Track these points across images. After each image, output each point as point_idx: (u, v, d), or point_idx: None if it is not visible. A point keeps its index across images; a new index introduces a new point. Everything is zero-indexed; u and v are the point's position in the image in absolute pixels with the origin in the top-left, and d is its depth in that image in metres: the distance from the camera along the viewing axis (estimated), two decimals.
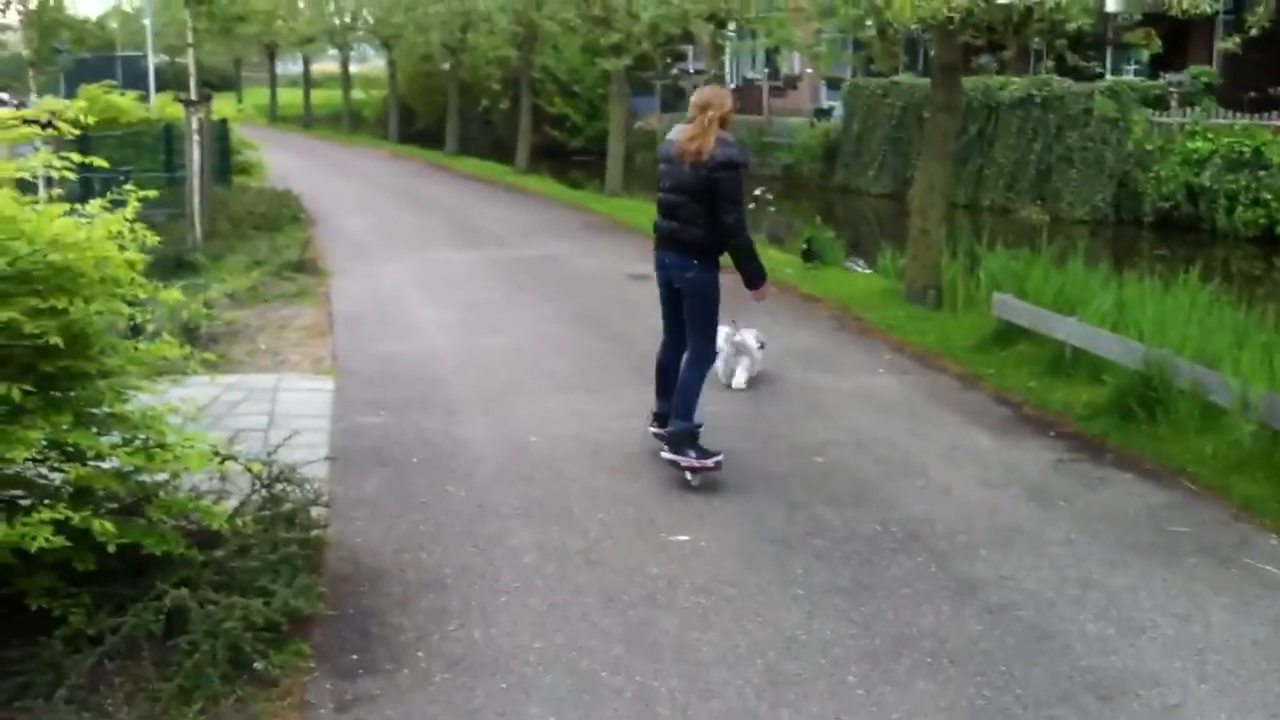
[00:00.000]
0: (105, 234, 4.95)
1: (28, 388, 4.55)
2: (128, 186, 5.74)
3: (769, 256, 15.86)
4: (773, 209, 19.43)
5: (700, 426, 7.34)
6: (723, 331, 8.72)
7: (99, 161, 5.14)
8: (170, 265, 13.53)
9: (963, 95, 26.41)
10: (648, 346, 10.53)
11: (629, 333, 11.28)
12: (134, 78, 38.19)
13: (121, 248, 5.24)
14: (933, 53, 12.34)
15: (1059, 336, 9.61)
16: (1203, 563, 6.11)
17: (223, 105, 41.34)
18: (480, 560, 6.01)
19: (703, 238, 7.16)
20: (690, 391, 7.34)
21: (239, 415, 8.45)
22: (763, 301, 7.85)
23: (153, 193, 5.80)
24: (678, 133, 7.34)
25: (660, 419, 7.71)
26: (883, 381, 9.75)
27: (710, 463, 7.19)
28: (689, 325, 7.44)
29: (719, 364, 8.99)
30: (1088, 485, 7.29)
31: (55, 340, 4.48)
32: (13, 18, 11.52)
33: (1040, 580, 5.88)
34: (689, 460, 7.17)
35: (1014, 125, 26.92)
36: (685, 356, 7.48)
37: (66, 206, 5.10)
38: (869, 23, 12.79)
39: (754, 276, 7.40)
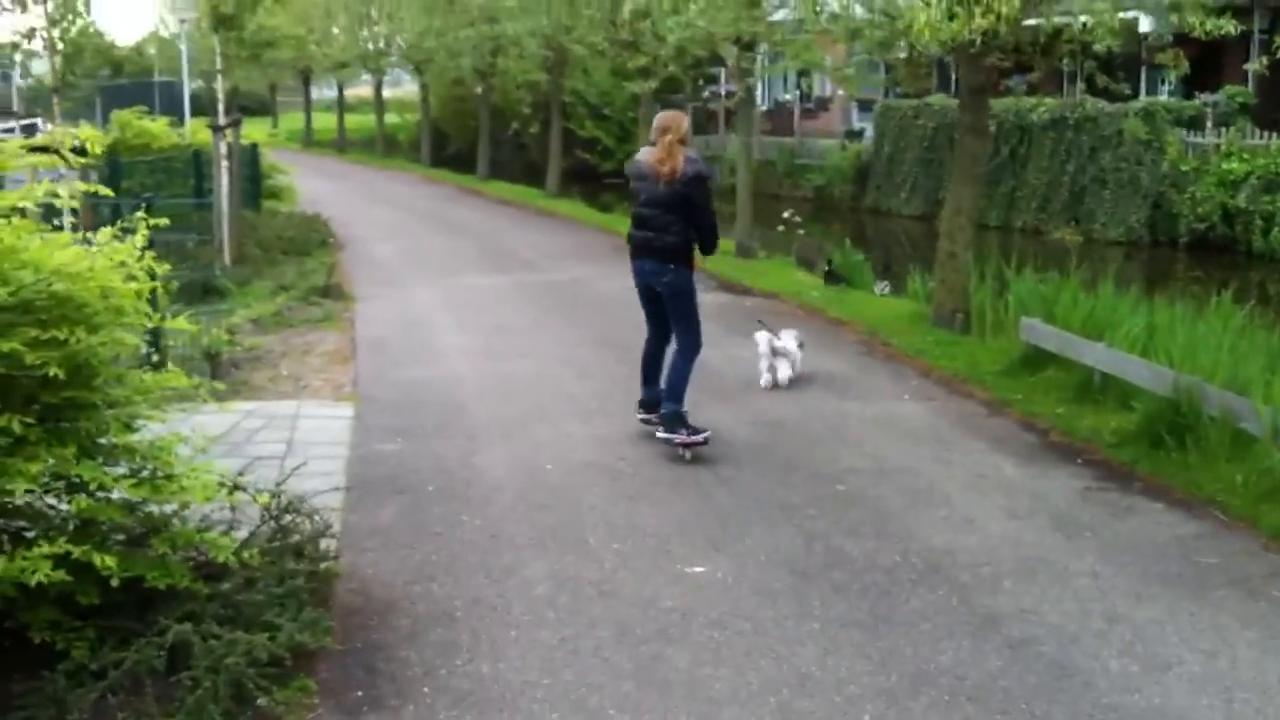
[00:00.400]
0: (110, 263, 4.91)
1: (28, 419, 4.51)
2: (138, 214, 5.73)
3: (797, 280, 15.88)
4: (801, 231, 19.35)
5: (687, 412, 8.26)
6: (763, 337, 10.00)
7: (104, 190, 5.06)
8: (197, 290, 13.59)
9: (994, 117, 26.50)
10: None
11: None
12: (170, 103, 38.67)
13: (131, 277, 5.21)
14: (961, 75, 12.21)
15: (1087, 362, 9.46)
16: (1231, 595, 5.96)
17: (255, 130, 41.79)
18: (492, 592, 5.93)
19: (677, 244, 8.11)
20: (680, 378, 8.28)
21: (257, 443, 8.42)
22: (706, 264, 8.83)
23: (164, 220, 5.77)
24: (645, 154, 8.27)
25: (646, 405, 8.71)
26: (908, 407, 9.62)
27: (700, 438, 8.08)
28: (674, 321, 8.39)
29: (761, 366, 10.06)
30: (1115, 515, 7.14)
31: (56, 371, 4.44)
32: (37, 44, 11.52)
33: (1064, 614, 5.74)
34: (682, 438, 8.08)
35: (1047, 146, 26.73)
36: (672, 348, 8.44)
37: (72, 236, 5.07)
38: (900, 44, 12.70)
39: (712, 250, 8.49)
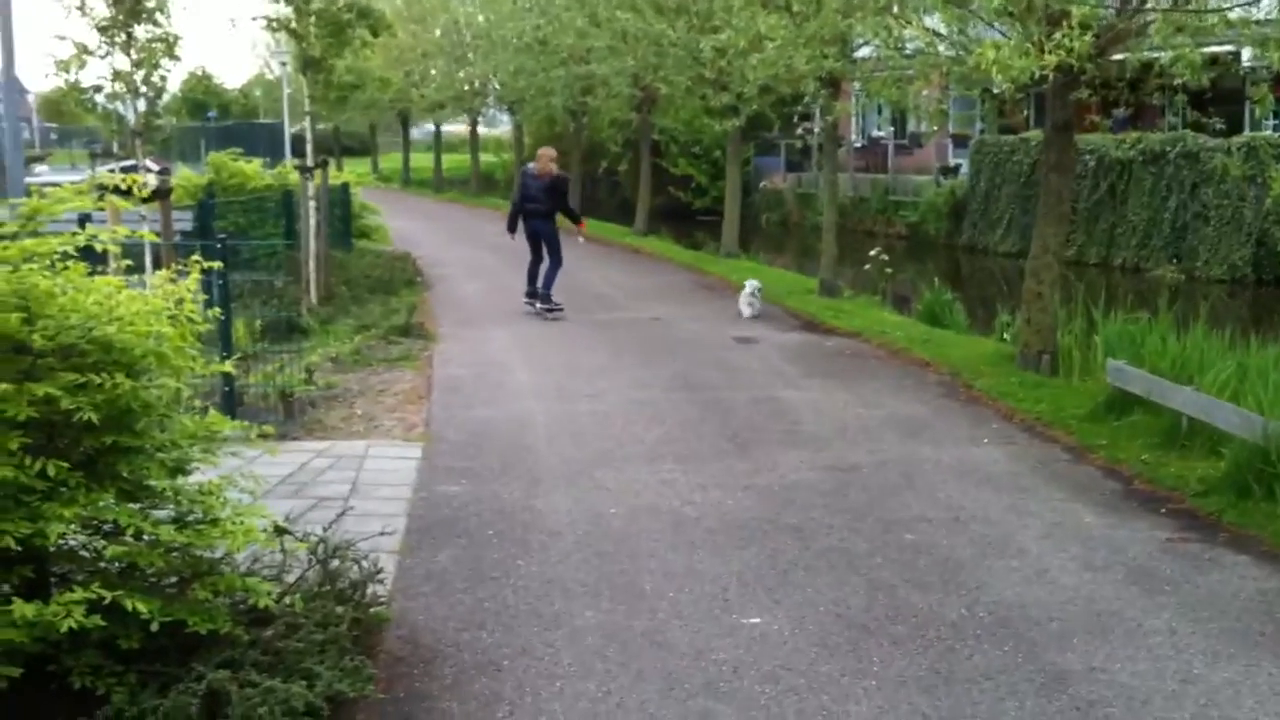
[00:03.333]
0: (155, 306, 4.91)
1: (66, 463, 4.51)
2: (194, 257, 5.76)
3: (883, 319, 15.62)
4: (889, 270, 19.06)
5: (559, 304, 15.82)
6: (752, 284, 16.25)
7: (149, 236, 5.08)
8: (283, 329, 13.74)
9: (1093, 151, 26.01)
10: (746, 414, 10.42)
11: (727, 399, 11.06)
12: (272, 144, 39.52)
13: (190, 319, 5.22)
14: (1046, 111, 11.95)
15: (1175, 406, 9.12)
16: None
17: (355, 169, 42.51)
18: (540, 641, 5.82)
19: (547, 211, 16.13)
20: (549, 280, 15.95)
21: (323, 483, 8.42)
22: (584, 231, 18.34)
23: (218, 264, 5.77)
24: (533, 166, 16.51)
25: (529, 295, 16.19)
26: (987, 453, 9.35)
27: (560, 307, 15.78)
28: (547, 251, 16.05)
29: (742, 304, 15.98)
30: (1197, 568, 6.83)
31: (90, 416, 4.43)
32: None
33: (1136, 673, 5.47)
34: (547, 306, 15.79)
35: (1147, 182, 26.11)
36: (545, 265, 16.03)
37: (122, 280, 5.09)
38: (982, 81, 12.48)
39: (576, 221, 17.44)
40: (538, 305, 15.85)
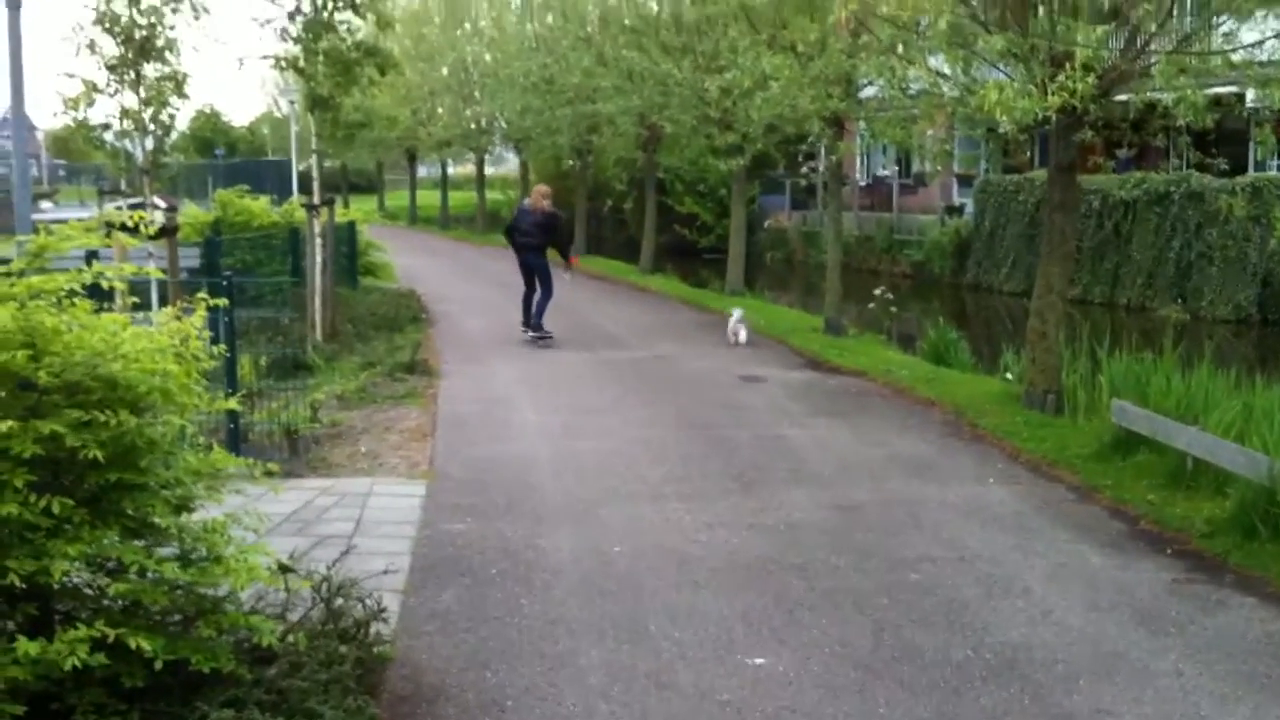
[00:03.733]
0: (159, 344, 4.92)
1: (70, 501, 4.51)
2: (200, 294, 5.77)
3: (886, 358, 15.61)
4: (893, 309, 19.08)
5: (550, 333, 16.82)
6: (737, 312, 17.16)
7: (154, 272, 5.10)
8: (288, 366, 13.76)
9: (1097, 191, 26.07)
10: (750, 453, 10.40)
11: (732, 438, 11.05)
12: (280, 181, 39.72)
13: (195, 357, 5.23)
14: (1049, 151, 11.98)
15: (1180, 446, 9.10)
16: None
17: (361, 207, 42.67)
18: (544, 681, 5.79)
19: (541, 244, 17.02)
20: (542, 309, 16.88)
21: (327, 520, 8.42)
22: (574, 268, 18.53)
23: (223, 301, 5.79)
24: (528, 202, 17.76)
25: (525, 323, 17.02)
26: (992, 492, 9.33)
27: (550, 335, 16.76)
28: (540, 283, 16.93)
29: (729, 333, 16.90)
30: (1203, 609, 6.80)
31: (95, 454, 4.43)
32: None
33: (1142, 716, 5.46)
34: (538, 333, 16.74)
35: (1152, 222, 26.14)
36: (538, 296, 16.89)
37: (128, 317, 5.11)
38: (985, 121, 12.53)
39: (566, 258, 18.05)
40: (529, 334, 16.86)
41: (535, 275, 16.99)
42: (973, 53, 10.38)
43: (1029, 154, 31.72)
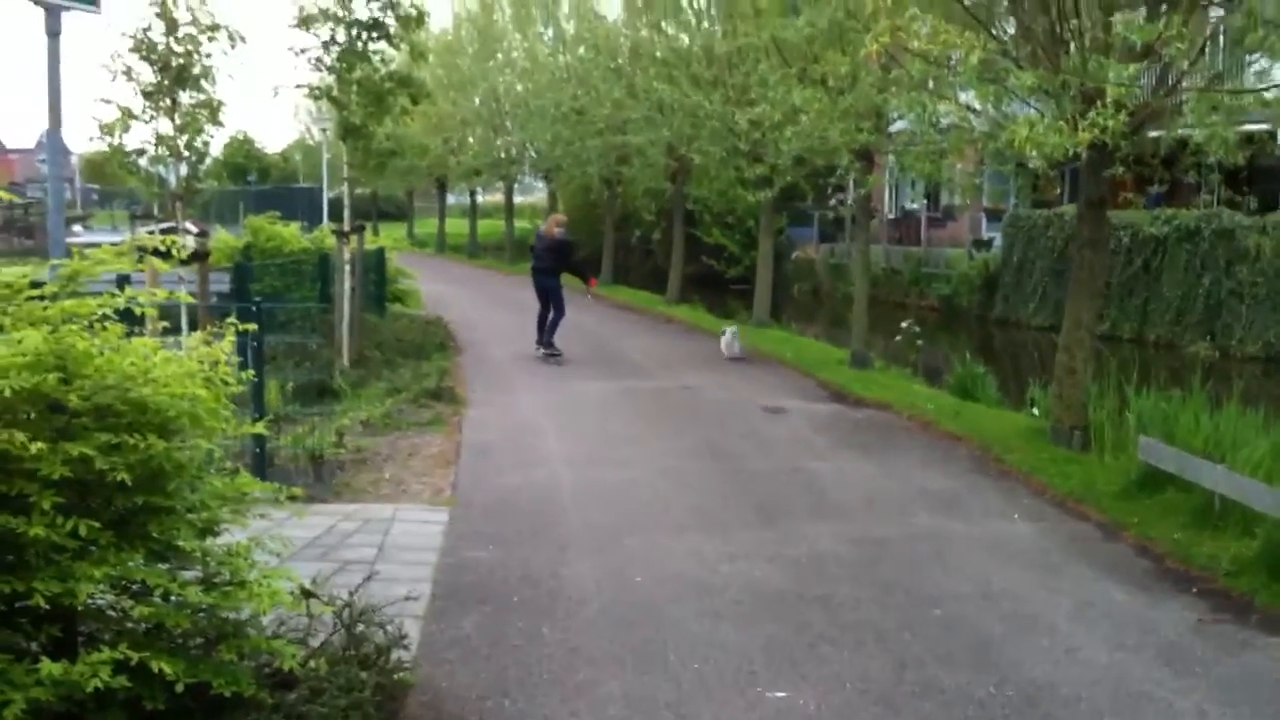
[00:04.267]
0: (188, 368, 4.97)
1: (97, 523, 4.54)
2: (230, 320, 5.83)
3: (913, 391, 15.56)
4: (920, 342, 19.04)
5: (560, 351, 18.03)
6: (730, 330, 19.00)
7: (185, 297, 5.15)
8: (314, 392, 13.84)
9: (1128, 227, 25.99)
10: (774, 485, 10.39)
11: (756, 469, 11.03)
12: (311, 208, 40.03)
13: (223, 382, 5.27)
14: (1080, 187, 11.96)
15: (1207, 484, 9.03)
16: None
17: (391, 234, 42.89)
18: (564, 711, 5.79)
19: (553, 268, 18.26)
20: (553, 327, 18.11)
21: (350, 546, 8.44)
22: (594, 290, 20.58)
23: (252, 326, 5.83)
24: (543, 229, 19.20)
25: (539, 342, 18.23)
26: (1017, 528, 9.28)
27: (559, 353, 17.85)
28: (553, 304, 18.14)
29: (723, 346, 18.65)
30: (1228, 649, 6.74)
31: (123, 477, 4.47)
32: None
33: None
34: (550, 351, 17.92)
35: (1181, 259, 26.02)
36: (550, 316, 18.13)
37: (158, 342, 5.15)
38: (1015, 156, 12.53)
39: (586, 279, 19.76)
40: (541, 350, 18.27)
41: (548, 296, 18.32)
42: (1003, 88, 10.37)
43: (1059, 189, 31.65)
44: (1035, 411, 13.91)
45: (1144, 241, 26.70)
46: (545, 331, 18.27)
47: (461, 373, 16.77)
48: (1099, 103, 9.47)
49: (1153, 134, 11.79)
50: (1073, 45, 10.38)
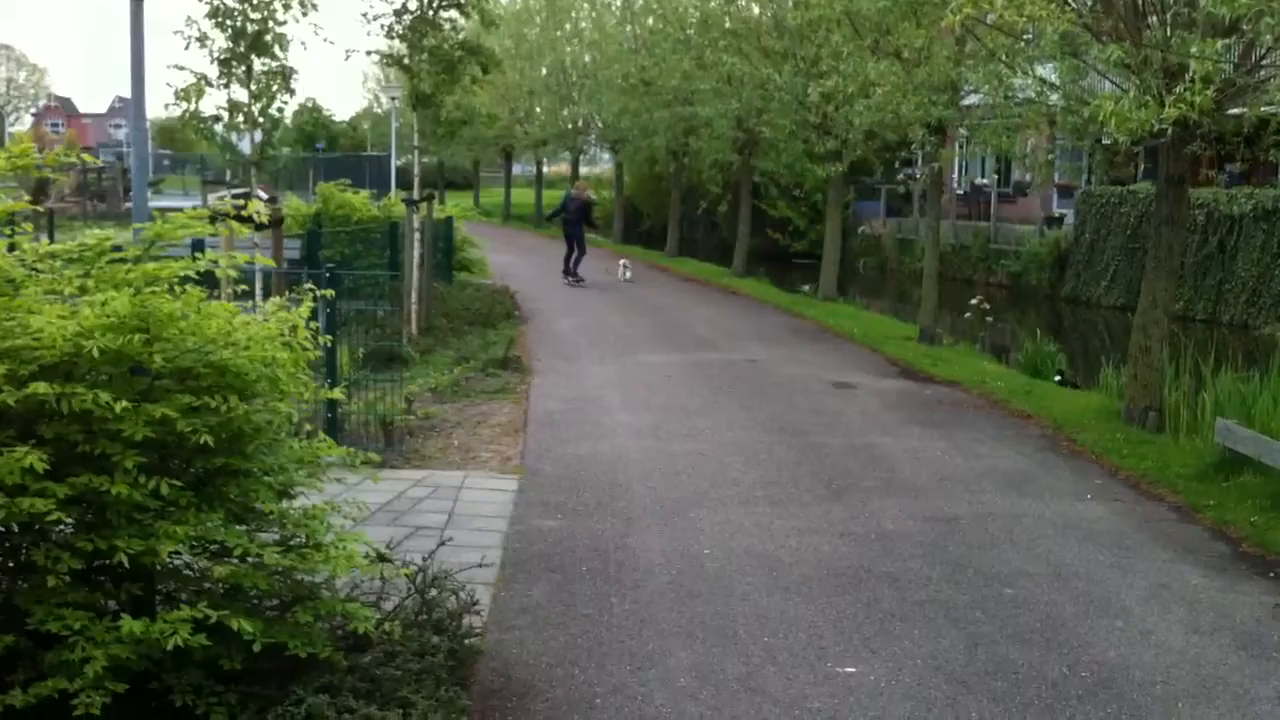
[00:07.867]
0: (269, 332, 5.00)
1: (176, 483, 4.59)
2: (307, 285, 5.86)
3: (982, 368, 15.40)
4: (990, 319, 18.83)
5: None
6: (623, 263, 26.36)
7: (265, 260, 5.18)
8: (383, 358, 13.93)
9: (1203, 206, 25.50)
10: (842, 460, 10.33)
11: (824, 444, 10.97)
12: (380, 176, 40.23)
13: (295, 346, 5.31)
14: (1160, 164, 11.73)
15: None
16: None
17: (457, 204, 43.02)
18: (633, 680, 5.80)
19: (576, 219, 25.48)
20: (577, 261, 25.19)
21: (420, 512, 8.50)
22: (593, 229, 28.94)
23: (329, 292, 5.86)
24: (574, 191, 27.45)
25: (565, 272, 25.19)
26: (1090, 509, 9.16)
27: (583, 279, 24.83)
28: (577, 245, 25.16)
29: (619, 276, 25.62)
30: None
31: (204, 439, 4.51)
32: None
33: None
34: (575, 279, 24.89)
35: (1258, 239, 25.50)
36: (575, 255, 25.15)
37: (236, 306, 5.19)
38: (1094, 132, 12.32)
39: (595, 226, 29.15)
40: (568, 279, 24.86)
41: (574, 240, 25.05)
42: (1084, 62, 10.18)
43: (1134, 167, 31.09)
44: (1058, 378, 13.80)
45: (1220, 220, 26.20)
46: (572, 264, 25.02)
47: (527, 342, 16.82)
48: (1184, 78, 9.27)
49: (1234, 111, 11.51)
50: (1154, 19, 10.18)
